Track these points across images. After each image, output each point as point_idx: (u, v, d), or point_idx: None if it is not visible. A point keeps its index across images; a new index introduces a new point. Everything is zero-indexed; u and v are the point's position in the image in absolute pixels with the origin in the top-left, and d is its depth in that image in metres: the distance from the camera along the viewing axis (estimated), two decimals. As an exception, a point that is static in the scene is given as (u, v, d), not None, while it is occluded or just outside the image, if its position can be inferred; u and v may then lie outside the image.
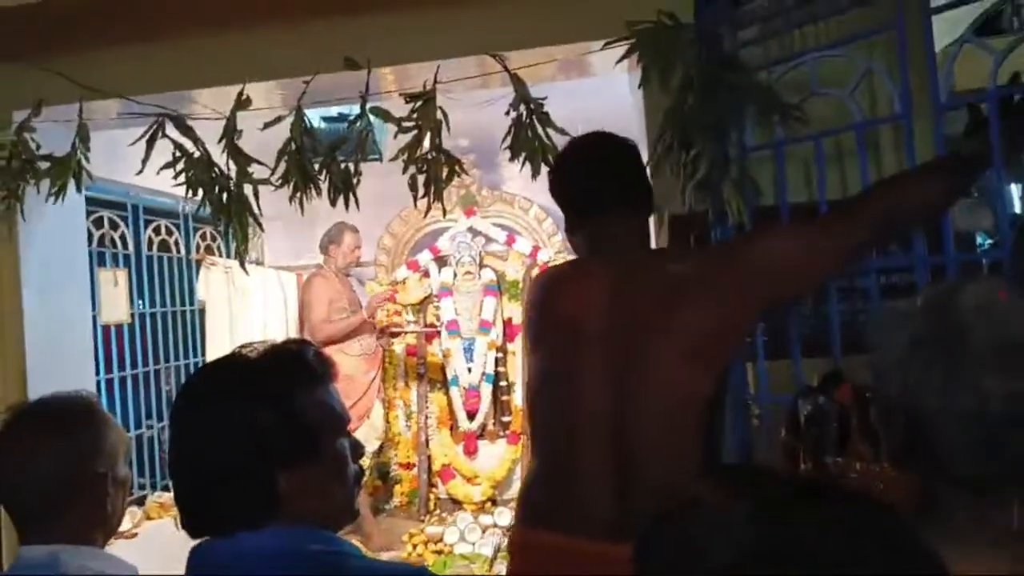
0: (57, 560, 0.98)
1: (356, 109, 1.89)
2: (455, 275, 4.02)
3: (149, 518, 3.09)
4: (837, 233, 1.19)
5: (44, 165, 2.04)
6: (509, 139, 1.76)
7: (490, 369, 3.94)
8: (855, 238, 1.19)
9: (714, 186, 1.66)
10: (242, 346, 0.86)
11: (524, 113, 1.74)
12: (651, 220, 1.32)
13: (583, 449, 1.19)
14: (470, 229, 4.10)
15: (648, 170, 1.83)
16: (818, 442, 1.56)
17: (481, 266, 4.05)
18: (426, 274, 4.14)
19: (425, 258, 4.15)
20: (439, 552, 3.46)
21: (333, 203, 1.82)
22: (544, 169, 1.74)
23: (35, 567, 0.98)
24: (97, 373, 3.06)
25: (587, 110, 2.41)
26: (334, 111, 2.69)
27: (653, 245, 1.87)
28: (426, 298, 4.12)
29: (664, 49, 1.67)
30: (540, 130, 1.72)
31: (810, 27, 1.73)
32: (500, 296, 4.04)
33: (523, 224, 4.09)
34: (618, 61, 1.72)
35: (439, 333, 4.00)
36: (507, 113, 1.77)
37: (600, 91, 2.44)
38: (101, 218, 3.44)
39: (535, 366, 1.32)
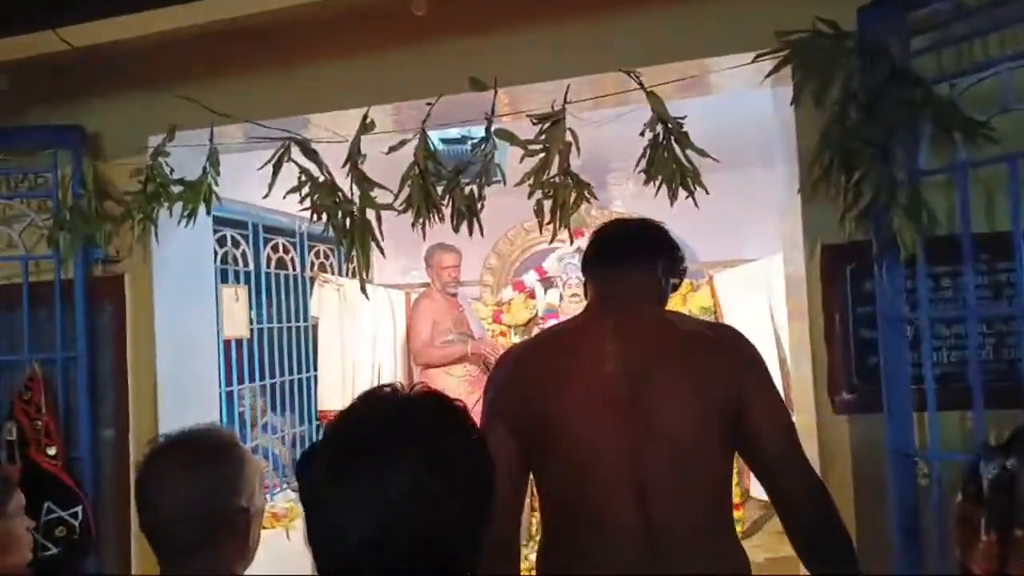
0: None
1: (475, 130, 1.83)
2: (561, 297, 3.92)
3: (262, 528, 3.15)
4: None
5: (177, 189, 2.10)
6: (643, 161, 1.64)
7: (595, 394, 3.82)
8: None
9: (880, 214, 1.48)
10: (379, 398, 0.76)
11: (661, 133, 1.61)
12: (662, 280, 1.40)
13: (609, 502, 1.21)
14: (578, 250, 3.98)
15: (800, 196, 1.67)
16: (1006, 512, 1.33)
17: (588, 288, 3.95)
18: (532, 295, 4.06)
19: (531, 279, 4.08)
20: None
21: (456, 228, 1.77)
22: (682, 193, 1.61)
23: None
24: (219, 385, 3.17)
25: (721, 128, 2.25)
26: (453, 132, 2.66)
27: (804, 278, 1.70)
28: (531, 319, 4.04)
29: (822, 61, 1.51)
30: (679, 151, 1.59)
31: (995, 33, 1.52)
32: (607, 319, 3.92)
33: (633, 245, 3.96)
34: (769, 74, 1.56)
35: (544, 355, 3.91)
36: (642, 133, 1.65)
37: (731, 108, 2.27)
38: (224, 236, 3.59)
39: (536, 430, 1.28)
